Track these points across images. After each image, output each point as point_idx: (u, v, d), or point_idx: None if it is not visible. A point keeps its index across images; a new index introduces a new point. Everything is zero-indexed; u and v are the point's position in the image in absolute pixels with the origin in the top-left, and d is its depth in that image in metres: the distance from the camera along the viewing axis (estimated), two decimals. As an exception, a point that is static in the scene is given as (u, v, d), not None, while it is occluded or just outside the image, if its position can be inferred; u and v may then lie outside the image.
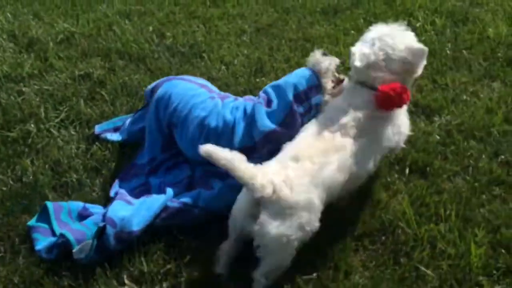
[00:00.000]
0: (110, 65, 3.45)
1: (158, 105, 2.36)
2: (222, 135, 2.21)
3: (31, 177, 2.40)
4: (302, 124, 2.13)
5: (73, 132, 2.73)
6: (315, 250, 2.02)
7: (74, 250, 1.95)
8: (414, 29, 3.80)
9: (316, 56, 2.28)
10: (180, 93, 2.33)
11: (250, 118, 2.20)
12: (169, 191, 2.18)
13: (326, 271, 1.92)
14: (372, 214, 2.16)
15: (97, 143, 2.64)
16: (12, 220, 2.18)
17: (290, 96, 2.17)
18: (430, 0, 4.33)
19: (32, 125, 2.75)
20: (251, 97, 2.49)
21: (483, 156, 2.45)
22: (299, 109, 2.17)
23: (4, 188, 2.35)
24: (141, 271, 1.92)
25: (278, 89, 2.23)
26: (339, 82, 2.29)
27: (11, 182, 2.39)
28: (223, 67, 3.46)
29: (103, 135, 2.65)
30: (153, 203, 2.10)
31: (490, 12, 4.09)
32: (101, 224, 2.00)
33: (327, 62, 2.24)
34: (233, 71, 3.40)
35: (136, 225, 2.01)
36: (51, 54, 3.55)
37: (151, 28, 4.02)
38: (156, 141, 2.39)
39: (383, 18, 4.07)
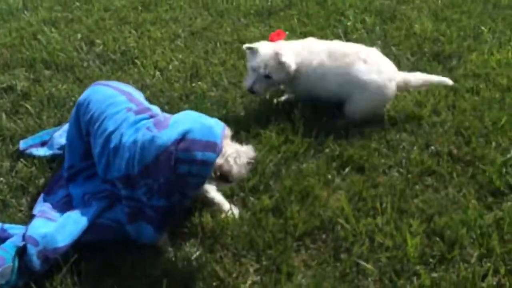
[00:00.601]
0: (35, 76, 3.28)
1: (79, 111, 2.24)
2: (116, 156, 1.99)
3: None
4: (176, 172, 1.82)
5: (-6, 150, 2.55)
6: (257, 254, 1.99)
7: None
8: (345, 28, 3.95)
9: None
10: (98, 101, 2.20)
11: (135, 146, 1.92)
12: (95, 205, 2.06)
13: (269, 274, 1.90)
14: (312, 213, 2.16)
15: (22, 159, 2.47)
16: None
17: (174, 136, 1.83)
18: (359, -1, 4.47)
19: None
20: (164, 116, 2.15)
21: (415, 148, 2.53)
22: (178, 154, 1.81)
23: None
24: (75, 293, 1.81)
25: (177, 121, 1.92)
26: (223, 180, 1.91)
27: None
28: (157, 73, 3.37)
29: (28, 151, 2.48)
30: (80, 217, 1.98)
31: (416, 10, 4.27)
32: (21, 244, 1.86)
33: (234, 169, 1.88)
34: (167, 77, 3.32)
35: (62, 241, 1.88)
36: (-31, 67, 3.32)
37: (79, 36, 3.86)
38: (76, 149, 2.26)
39: (315, 18, 4.15)
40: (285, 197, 2.25)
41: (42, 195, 2.21)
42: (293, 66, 2.71)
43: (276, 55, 2.68)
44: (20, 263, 1.84)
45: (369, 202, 2.19)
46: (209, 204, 2.15)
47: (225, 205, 2.15)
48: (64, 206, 2.10)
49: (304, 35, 3.91)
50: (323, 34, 3.88)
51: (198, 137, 1.82)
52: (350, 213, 2.10)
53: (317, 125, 2.70)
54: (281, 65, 2.67)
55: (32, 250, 1.84)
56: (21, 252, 1.85)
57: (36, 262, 1.84)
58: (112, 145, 2.01)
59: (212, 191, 2.13)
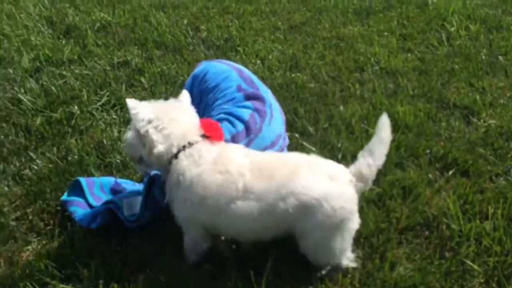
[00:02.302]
0: (147, 54, 3.50)
1: (194, 81, 2.39)
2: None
3: (76, 156, 2.43)
4: None
5: (114, 116, 2.77)
6: (358, 240, 2.03)
7: (124, 201, 1.99)
8: (448, 34, 3.87)
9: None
10: (215, 73, 2.35)
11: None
12: None
13: (372, 261, 1.93)
14: (415, 209, 2.16)
15: (139, 127, 2.66)
16: (60, 195, 2.21)
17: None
18: (463, 6, 4.36)
19: (75, 107, 2.79)
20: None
21: (525, 159, 2.45)
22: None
23: (51, 165, 2.38)
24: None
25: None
26: None
27: (57, 160, 2.42)
28: (259, 61, 3.48)
29: None
30: None
31: (524, 21, 4.10)
32: (152, 174, 2.02)
33: None
34: (268, 66, 3.43)
35: None
36: (90, 41, 3.60)
37: (185, 21, 4.07)
38: None
39: (416, 21, 4.10)
40: (387, 191, 2.27)
41: None
42: None
43: None
44: (147, 197, 2.00)
45: (476, 206, 2.16)
46: None
47: None
48: None
49: (403, 38, 3.89)
50: (424, 37, 3.83)
51: None
52: (457, 213, 2.08)
53: (418, 125, 2.70)
54: None
55: (159, 183, 2.00)
56: (151, 183, 2.01)
57: (159, 194, 1.99)
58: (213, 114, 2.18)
59: None
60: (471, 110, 2.87)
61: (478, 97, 2.99)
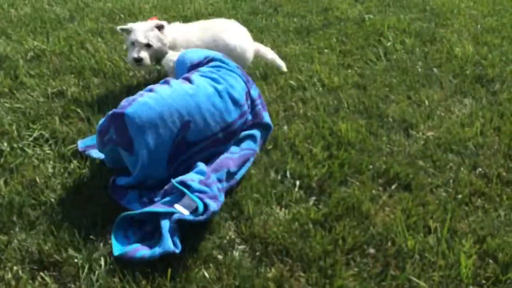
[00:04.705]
0: (84, 83, 3.37)
1: (146, 131, 2.28)
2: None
3: (5, 198, 2.27)
4: None
5: (48, 151, 2.62)
6: (307, 265, 2.00)
7: None
8: (385, 48, 3.99)
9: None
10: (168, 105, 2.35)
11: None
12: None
13: (319, 286, 1.89)
14: (360, 228, 2.16)
15: (74, 161, 2.53)
16: (-13, 243, 2.05)
17: None
18: (398, 21, 4.52)
19: (5, 144, 2.63)
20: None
21: (462, 169, 2.52)
22: None
23: (-24, 210, 2.21)
24: None
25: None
26: None
27: (-17, 203, 2.25)
28: (201, 84, 3.43)
29: (87, 152, 2.55)
30: None
31: (456, 33, 4.30)
32: None
33: None
34: (211, 89, 3.38)
35: None
36: (21, 71, 3.43)
37: (124, 46, 3.96)
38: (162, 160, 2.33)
39: (354, 38, 4.20)
40: (333, 211, 2.26)
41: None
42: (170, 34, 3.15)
43: (155, 26, 3.11)
44: None
45: (419, 220, 2.18)
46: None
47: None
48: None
49: (343, 54, 3.97)
50: (362, 53, 3.92)
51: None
52: (402, 229, 2.10)
53: (360, 141, 2.73)
54: (159, 34, 3.11)
55: None
56: None
57: None
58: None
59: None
60: (409, 123, 2.94)
61: (416, 109, 3.08)
